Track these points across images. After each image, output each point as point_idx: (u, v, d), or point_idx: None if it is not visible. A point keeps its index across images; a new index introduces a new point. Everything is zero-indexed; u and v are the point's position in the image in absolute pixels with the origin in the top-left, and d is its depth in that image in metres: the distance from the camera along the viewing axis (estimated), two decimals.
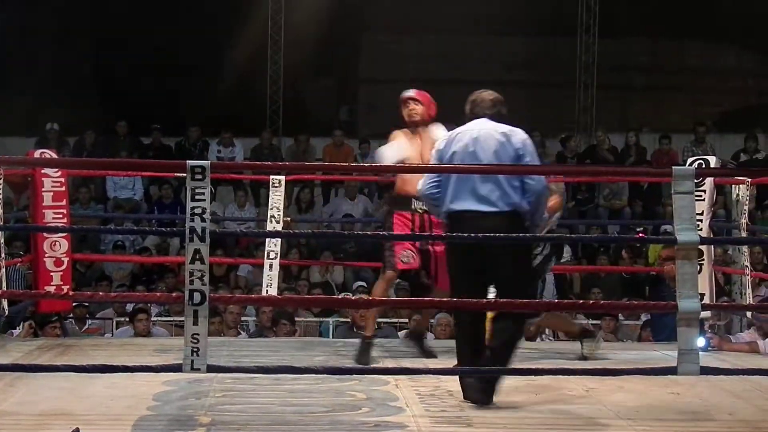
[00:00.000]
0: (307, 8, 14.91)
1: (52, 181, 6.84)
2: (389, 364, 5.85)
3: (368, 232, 4.58)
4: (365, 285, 9.59)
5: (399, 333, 8.58)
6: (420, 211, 5.99)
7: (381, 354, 6.20)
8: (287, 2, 15.00)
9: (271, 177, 7.28)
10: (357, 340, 6.38)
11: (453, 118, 5.92)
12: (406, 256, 5.95)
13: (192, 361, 4.24)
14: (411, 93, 6.11)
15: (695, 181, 4.54)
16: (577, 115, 15.35)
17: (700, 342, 5.44)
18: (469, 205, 4.75)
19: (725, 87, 17.25)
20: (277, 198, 7.22)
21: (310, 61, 16.33)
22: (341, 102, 17.63)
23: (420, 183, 5.02)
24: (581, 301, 7.44)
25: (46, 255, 6.85)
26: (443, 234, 5.14)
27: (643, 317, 8.87)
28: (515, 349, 4.85)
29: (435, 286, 6.03)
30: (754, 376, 5.19)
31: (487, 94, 4.99)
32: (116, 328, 9.12)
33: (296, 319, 8.56)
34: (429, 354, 6.14)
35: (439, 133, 5.83)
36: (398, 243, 5.98)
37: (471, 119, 4.95)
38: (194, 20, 15.59)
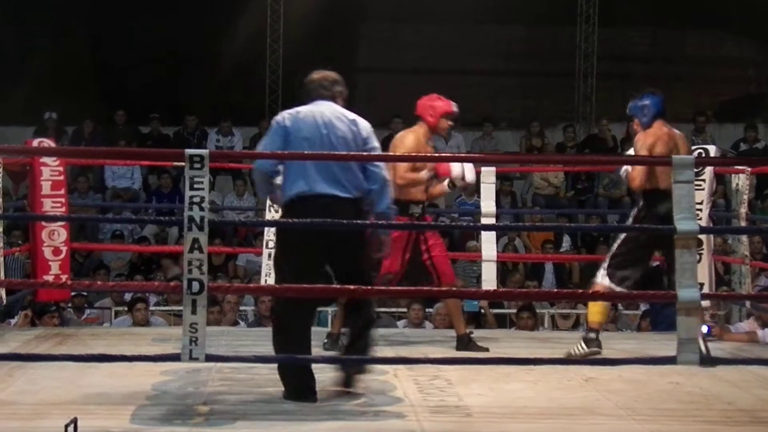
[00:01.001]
0: None
1: (50, 170, 6.82)
2: (388, 353, 5.84)
3: (366, 221, 4.53)
4: None
5: (397, 323, 8.59)
6: (416, 215, 5.99)
7: (380, 344, 6.20)
8: None
9: None
10: None
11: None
12: None
13: (190, 351, 4.23)
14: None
15: (695, 170, 4.53)
16: (577, 105, 15.31)
17: (702, 328, 5.44)
18: (325, 188, 4.57)
19: (725, 76, 17.21)
20: None
21: (308, 51, 16.28)
22: None
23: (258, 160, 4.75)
24: (580, 291, 7.41)
25: (45, 244, 6.84)
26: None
27: (643, 307, 8.86)
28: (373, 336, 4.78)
29: (440, 281, 6.03)
30: (753, 365, 5.19)
31: (321, 76, 4.78)
32: (114, 318, 9.11)
33: None
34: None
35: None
36: None
37: (312, 101, 4.73)
38: (193, 9, 15.54)
